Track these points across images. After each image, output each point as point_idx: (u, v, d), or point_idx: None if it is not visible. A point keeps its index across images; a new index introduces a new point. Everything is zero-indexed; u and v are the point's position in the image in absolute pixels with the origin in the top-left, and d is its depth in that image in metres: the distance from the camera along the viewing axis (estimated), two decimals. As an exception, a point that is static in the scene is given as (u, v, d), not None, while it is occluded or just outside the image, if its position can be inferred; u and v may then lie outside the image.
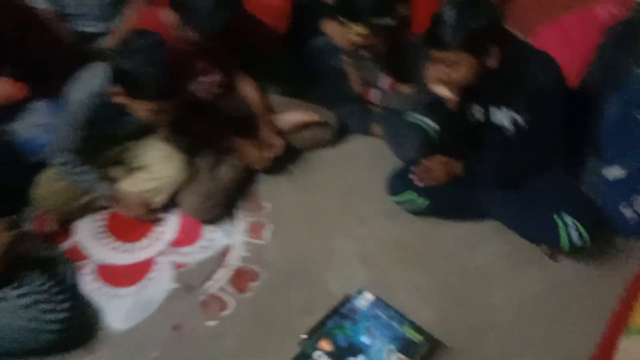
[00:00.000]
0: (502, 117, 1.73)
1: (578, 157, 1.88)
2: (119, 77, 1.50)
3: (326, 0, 2.05)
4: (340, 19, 1.86)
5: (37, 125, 1.75)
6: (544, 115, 1.66)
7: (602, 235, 1.78)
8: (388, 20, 1.81)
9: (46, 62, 1.84)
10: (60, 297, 1.49)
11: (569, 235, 1.66)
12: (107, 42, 2.00)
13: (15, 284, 1.46)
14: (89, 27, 2.10)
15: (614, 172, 1.85)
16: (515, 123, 1.70)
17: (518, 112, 1.68)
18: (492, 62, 1.56)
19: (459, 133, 1.84)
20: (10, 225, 1.48)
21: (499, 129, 1.74)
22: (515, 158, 1.75)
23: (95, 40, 2.09)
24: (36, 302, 1.44)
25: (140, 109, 1.54)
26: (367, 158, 2.10)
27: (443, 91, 1.64)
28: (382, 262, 1.80)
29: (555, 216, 1.68)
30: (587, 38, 2.00)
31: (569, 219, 1.66)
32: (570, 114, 1.74)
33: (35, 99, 1.78)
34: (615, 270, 1.76)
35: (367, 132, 2.16)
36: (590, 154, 1.90)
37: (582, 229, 1.65)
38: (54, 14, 1.98)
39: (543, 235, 1.76)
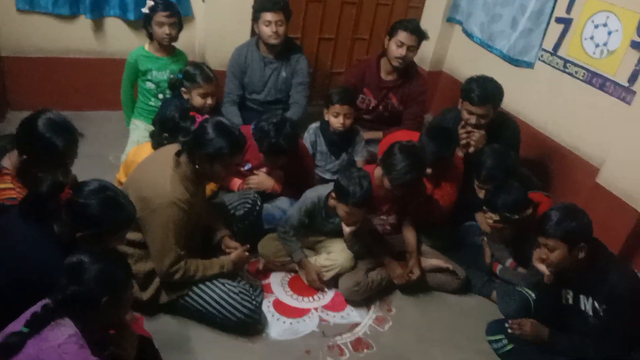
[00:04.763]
0: (587, 304, 2.26)
1: None
2: (337, 187, 2.51)
3: (479, 195, 2.91)
4: (484, 208, 2.69)
5: (279, 207, 2.84)
6: (618, 311, 2.14)
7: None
8: (516, 216, 2.56)
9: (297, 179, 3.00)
10: (253, 298, 2.38)
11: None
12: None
13: (234, 280, 2.41)
14: (326, 175, 3.31)
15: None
16: (595, 311, 2.23)
17: (599, 304, 2.20)
18: (581, 255, 2.15)
19: (551, 307, 2.40)
20: (248, 250, 2.49)
21: (583, 313, 2.27)
22: (591, 340, 2.22)
23: (326, 182, 3.26)
24: (241, 292, 2.33)
25: (341, 209, 2.50)
26: (478, 310, 2.72)
27: (542, 267, 2.28)
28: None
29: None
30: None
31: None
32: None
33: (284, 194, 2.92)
34: None
35: (486, 295, 2.80)
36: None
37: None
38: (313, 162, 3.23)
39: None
